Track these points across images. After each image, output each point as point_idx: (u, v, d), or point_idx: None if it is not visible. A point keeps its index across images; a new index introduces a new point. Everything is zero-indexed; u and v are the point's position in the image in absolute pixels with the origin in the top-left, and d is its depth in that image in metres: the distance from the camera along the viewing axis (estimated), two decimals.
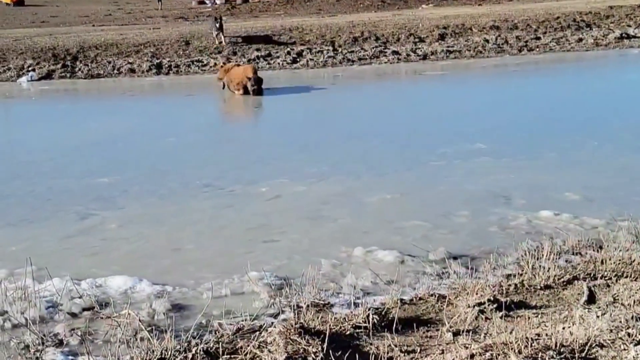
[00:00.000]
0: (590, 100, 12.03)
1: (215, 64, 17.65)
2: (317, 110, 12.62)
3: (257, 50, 19.39)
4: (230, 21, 23.82)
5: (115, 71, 17.65)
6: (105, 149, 9.82)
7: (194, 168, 8.60)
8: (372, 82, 16.88)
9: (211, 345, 3.88)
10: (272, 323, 4.27)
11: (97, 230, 6.44)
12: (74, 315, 4.58)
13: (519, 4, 29.02)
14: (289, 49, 19.46)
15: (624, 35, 21.34)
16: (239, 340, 3.99)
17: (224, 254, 5.79)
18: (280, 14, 28.69)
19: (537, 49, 20.08)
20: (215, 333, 4.11)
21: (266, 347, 3.83)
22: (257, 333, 4.04)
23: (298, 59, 18.80)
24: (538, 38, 21.01)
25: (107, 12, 31.30)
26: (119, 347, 3.83)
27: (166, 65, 18.03)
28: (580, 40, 20.94)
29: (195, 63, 18.38)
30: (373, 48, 19.61)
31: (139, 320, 4.24)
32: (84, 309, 4.63)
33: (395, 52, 19.33)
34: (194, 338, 3.95)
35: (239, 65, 15.58)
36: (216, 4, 33.94)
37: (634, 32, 21.76)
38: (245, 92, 14.08)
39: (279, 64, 18.43)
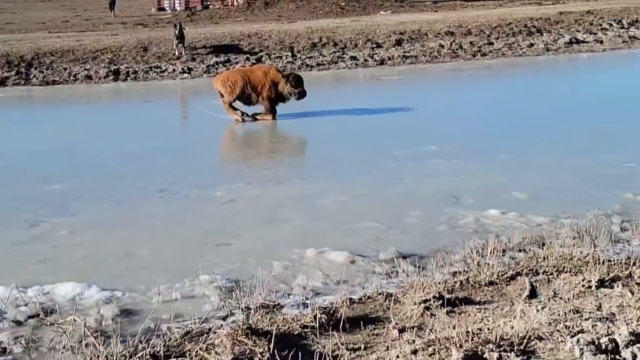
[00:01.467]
0: (541, 104, 12.26)
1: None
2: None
3: (216, 56, 19.38)
4: (190, 27, 23.74)
5: (72, 78, 17.47)
6: (60, 156, 9.72)
7: (150, 173, 8.56)
8: (330, 87, 16.96)
9: (158, 349, 3.88)
10: (221, 325, 4.29)
11: (48, 237, 6.37)
12: (18, 323, 4.51)
13: (473, 10, 29.57)
14: (248, 55, 19.49)
15: (573, 40, 21.91)
16: (186, 343, 4.01)
17: (177, 258, 5.78)
18: (240, 20, 28.71)
19: (490, 54, 20.47)
20: (163, 337, 4.12)
21: (213, 349, 3.86)
22: (206, 335, 4.06)
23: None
24: (491, 43, 21.41)
25: (64, 18, 31.00)
26: (62, 354, 3.81)
27: (124, 72, 17.91)
28: (532, 45, 21.40)
29: (153, 69, 18.28)
30: (331, 53, 19.76)
31: (85, 326, 4.21)
32: (29, 317, 4.57)
33: (353, 58, 19.51)
34: (141, 342, 3.95)
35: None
36: (176, 10, 33.85)
37: (582, 37, 22.34)
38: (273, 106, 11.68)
39: None
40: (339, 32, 21.75)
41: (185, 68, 18.31)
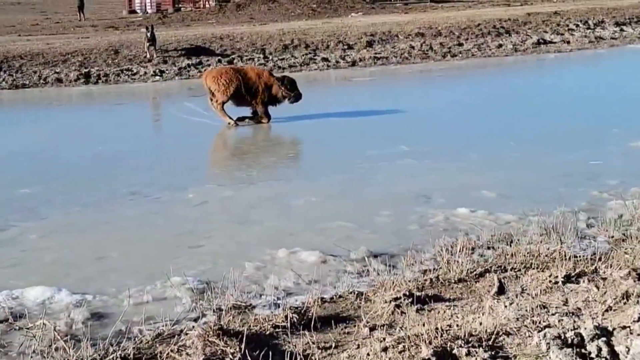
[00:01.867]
0: (510, 104, 12.44)
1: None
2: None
3: (188, 58, 19.31)
4: (161, 30, 23.64)
5: (42, 81, 17.31)
6: (30, 159, 9.61)
7: (122, 176, 8.51)
8: (302, 89, 16.93)
9: (129, 352, 3.88)
10: (193, 326, 4.29)
11: (17, 241, 6.29)
12: None
13: (442, 11, 29.86)
14: (220, 57, 19.45)
15: (540, 40, 22.26)
16: (157, 345, 4.00)
17: (149, 260, 5.75)
18: (212, 23, 28.63)
19: (460, 55, 20.69)
20: (134, 339, 4.11)
21: (184, 350, 3.86)
22: (177, 337, 4.06)
23: None
24: (461, 44, 21.65)
25: (34, 21, 30.67)
26: (32, 358, 3.78)
27: (95, 75, 17.77)
28: (500, 46, 21.69)
29: (125, 72, 18.18)
30: (303, 55, 19.81)
31: (55, 330, 4.18)
32: None
33: (324, 59, 19.59)
34: (112, 345, 3.94)
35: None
36: (147, 13, 33.64)
37: (550, 38, 22.70)
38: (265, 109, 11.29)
39: None
40: (310, 34, 21.81)
41: (157, 71, 18.22)
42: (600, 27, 24.74)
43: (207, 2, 35.65)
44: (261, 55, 19.68)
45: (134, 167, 9.04)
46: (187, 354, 3.80)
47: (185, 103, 13.92)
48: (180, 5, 36.05)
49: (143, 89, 16.76)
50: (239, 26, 25.75)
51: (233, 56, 19.58)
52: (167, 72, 18.20)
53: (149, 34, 19.46)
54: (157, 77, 17.86)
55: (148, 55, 19.26)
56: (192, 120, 12.18)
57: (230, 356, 3.74)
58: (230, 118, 11.18)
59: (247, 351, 3.72)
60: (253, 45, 20.52)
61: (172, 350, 3.85)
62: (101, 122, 12.78)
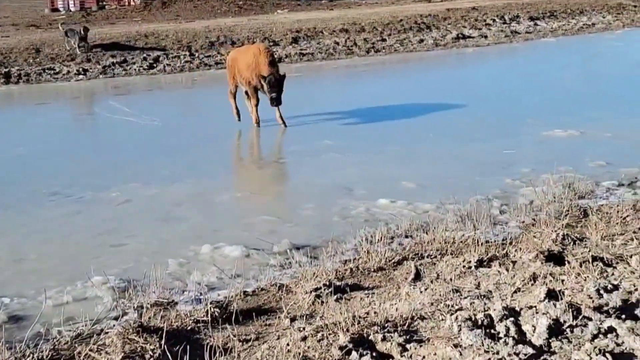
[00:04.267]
0: (431, 97, 12.71)
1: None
2: (175, 115, 12.55)
3: (113, 56, 18.93)
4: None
5: None
6: None
7: (43, 177, 8.33)
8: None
9: (47, 353, 3.84)
10: (113, 325, 4.27)
11: None
12: None
13: (366, 8, 30.24)
14: (145, 54, 19.16)
15: (460, 35, 22.86)
16: (77, 345, 3.96)
17: (70, 261, 5.68)
18: (137, 20, 28.15)
19: (384, 50, 20.99)
20: (53, 340, 4.06)
21: (104, 349, 3.83)
22: (96, 337, 4.03)
23: (155, 65, 18.55)
24: (384, 40, 21.98)
25: None
26: None
27: (15, 74, 17.21)
28: (422, 41, 22.14)
29: (47, 71, 17.67)
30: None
31: None
32: None
33: None
34: (29, 347, 3.89)
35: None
36: (70, 11, 32.77)
37: (468, 33, 23.36)
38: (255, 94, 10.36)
39: (135, 70, 18.11)
40: (236, 31, 21.74)
41: (81, 69, 17.81)
42: (515, 22, 25.54)
43: (132, 0, 35.00)
44: (187, 53, 19.48)
45: (56, 167, 8.85)
46: (106, 352, 3.78)
47: (110, 102, 13.70)
48: (104, 3, 35.24)
49: (66, 88, 16.34)
50: (164, 24, 25.40)
51: (159, 53, 19.31)
52: (91, 70, 17.80)
53: (82, 31, 19.23)
54: (81, 76, 17.46)
55: (78, 51, 18.85)
56: (117, 118, 12.00)
57: (150, 352, 3.74)
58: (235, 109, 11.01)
59: (167, 347, 3.73)
60: (179, 43, 20.28)
61: (91, 350, 3.82)
62: (23, 122, 12.44)
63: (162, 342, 3.79)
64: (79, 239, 6.23)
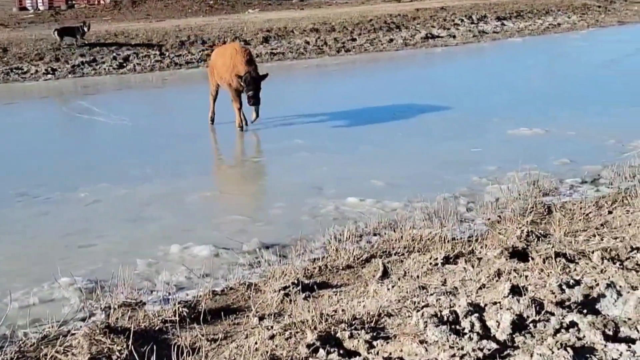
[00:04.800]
0: (400, 96, 12.82)
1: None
2: (145, 114, 12.48)
3: (82, 55, 18.75)
4: (53, 27, 22.79)
5: None
6: None
7: (10, 177, 8.24)
8: (199, 85, 16.84)
9: (13, 355, 3.81)
10: (80, 327, 4.24)
11: None
12: None
13: (336, 7, 30.33)
14: (114, 54, 19.01)
15: (429, 35, 23.10)
16: (43, 347, 3.94)
17: (37, 262, 5.61)
18: (107, 20, 27.89)
19: (354, 50, 21.12)
20: (18, 343, 4.03)
21: (70, 351, 3.82)
22: (63, 338, 4.00)
23: (125, 64, 18.43)
24: (354, 39, 22.10)
25: None
26: None
27: None
28: (391, 40, 22.32)
29: (14, 71, 17.46)
30: (200, 52, 19.65)
31: None
32: None
33: None
34: None
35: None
36: (39, 10, 32.33)
37: (437, 33, 23.61)
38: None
39: (105, 69, 17.97)
40: (207, 30, 21.66)
41: (49, 69, 17.61)
42: (483, 22, 25.85)
43: None
44: (157, 52, 19.39)
45: (24, 167, 8.75)
46: (72, 354, 3.76)
47: (79, 101, 13.59)
48: (73, 2, 34.82)
49: (35, 87, 16.15)
50: (134, 23, 25.20)
51: (128, 52, 19.17)
52: (59, 70, 17.62)
53: (85, 28, 19.52)
54: (50, 76, 17.27)
55: (77, 43, 19.29)
56: (86, 118, 11.91)
57: (117, 353, 3.73)
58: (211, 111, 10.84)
59: (134, 347, 3.72)
60: (149, 42, 20.16)
61: (57, 352, 3.80)
62: None
63: (130, 342, 3.78)
64: (46, 240, 6.17)
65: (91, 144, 10.21)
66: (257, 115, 9.93)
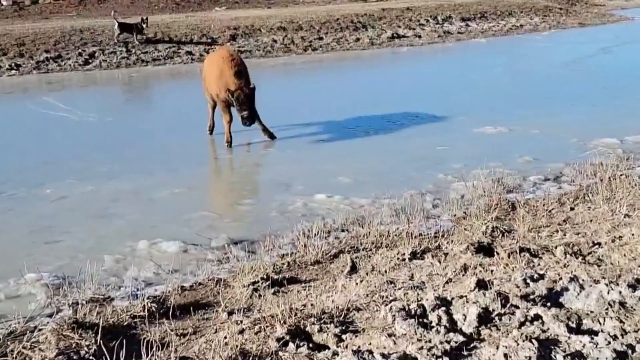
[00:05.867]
0: (368, 94, 12.92)
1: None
2: (112, 111, 12.36)
3: (46, 51, 18.46)
4: (17, 23, 22.45)
5: None
6: None
7: None
8: (166, 82, 16.83)
9: None
10: (47, 322, 4.21)
11: None
12: None
13: (304, 6, 30.36)
14: (80, 50, 18.76)
15: (395, 35, 23.32)
16: (9, 343, 3.89)
17: (2, 259, 5.54)
18: (72, 16, 27.51)
19: (321, 49, 21.20)
20: None
21: (38, 346, 3.79)
22: (30, 334, 3.97)
23: (91, 60, 18.22)
24: (321, 38, 22.18)
25: None
26: None
27: None
28: (358, 40, 22.46)
29: None
30: (167, 49, 19.54)
31: None
32: None
33: (189, 53, 19.44)
34: None
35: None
36: (2, 4, 31.73)
37: (403, 33, 23.84)
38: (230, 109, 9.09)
39: (70, 65, 17.75)
40: (173, 28, 21.50)
41: (13, 64, 17.33)
42: (448, 23, 26.14)
43: None
44: (124, 49, 19.19)
45: None
46: (40, 349, 3.73)
47: (44, 97, 13.40)
48: None
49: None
50: (100, 19, 24.89)
51: (94, 49, 18.95)
52: (24, 65, 17.35)
53: (144, 25, 19.77)
54: (13, 71, 16.99)
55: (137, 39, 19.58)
56: (52, 114, 11.76)
57: (86, 349, 3.71)
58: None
59: (102, 342, 3.71)
60: (115, 38, 19.95)
61: (24, 347, 3.77)
62: None
63: (98, 337, 3.76)
64: (11, 237, 6.10)
65: (57, 140, 10.08)
66: (271, 135, 9.16)
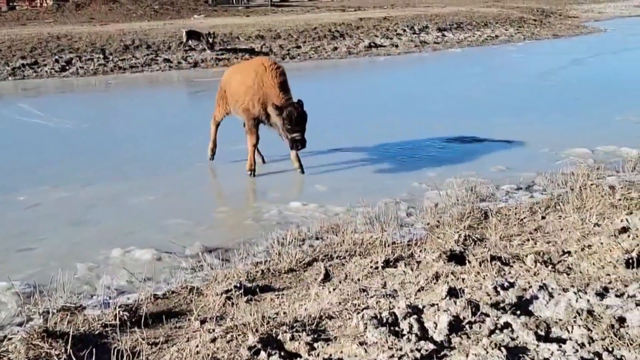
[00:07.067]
0: (344, 103, 13.00)
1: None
2: (88, 118, 12.28)
3: (22, 58, 18.31)
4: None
5: None
6: None
7: None
8: (144, 89, 16.74)
9: None
10: (17, 331, 4.17)
11: None
12: None
13: (282, 15, 30.46)
14: (57, 57, 18.65)
15: (372, 44, 23.53)
16: None
17: None
18: (49, 22, 27.33)
19: (299, 57, 21.30)
20: None
21: (7, 356, 3.75)
22: (0, 343, 3.94)
23: (67, 67, 18.13)
24: (299, 47, 22.29)
25: None
26: None
27: None
28: (336, 48, 22.63)
29: None
30: (144, 56, 19.48)
31: None
32: None
33: (167, 60, 19.41)
34: None
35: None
36: None
37: (380, 42, 24.03)
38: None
39: (47, 72, 17.65)
40: (152, 35, 21.46)
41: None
42: (424, 32, 26.39)
43: (44, 1, 33.93)
44: (101, 56, 19.12)
45: None
46: (9, 359, 3.70)
47: (19, 104, 13.29)
48: (15, 4, 34.03)
49: None
50: (78, 26, 24.78)
51: (71, 55, 18.84)
52: None
53: (212, 39, 20.55)
54: None
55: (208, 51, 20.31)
56: (27, 121, 11.67)
57: (55, 357, 3.68)
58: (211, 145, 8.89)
59: (72, 352, 3.68)
60: (92, 45, 19.86)
61: None
62: None
63: (68, 347, 3.73)
64: None
65: (31, 146, 9.99)
66: (301, 168, 7.87)
